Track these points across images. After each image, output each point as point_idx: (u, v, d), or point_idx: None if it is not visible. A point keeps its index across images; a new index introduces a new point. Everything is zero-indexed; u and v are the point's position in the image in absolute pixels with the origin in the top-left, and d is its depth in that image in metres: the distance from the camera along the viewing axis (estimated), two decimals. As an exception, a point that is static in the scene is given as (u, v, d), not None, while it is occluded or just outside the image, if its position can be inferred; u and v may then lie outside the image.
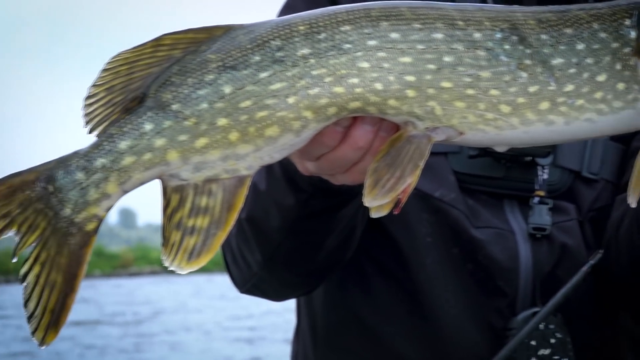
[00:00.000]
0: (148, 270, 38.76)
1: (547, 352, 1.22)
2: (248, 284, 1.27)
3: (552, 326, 1.23)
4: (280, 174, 1.06)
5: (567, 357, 1.23)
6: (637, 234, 1.18)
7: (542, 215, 1.25)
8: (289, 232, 1.12)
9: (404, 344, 1.26)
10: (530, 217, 1.25)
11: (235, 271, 1.26)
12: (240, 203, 0.91)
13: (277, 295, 1.36)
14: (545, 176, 1.24)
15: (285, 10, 1.31)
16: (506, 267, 1.24)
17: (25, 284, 0.88)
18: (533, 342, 1.21)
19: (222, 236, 0.90)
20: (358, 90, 0.90)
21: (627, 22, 0.94)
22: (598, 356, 1.31)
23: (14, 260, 0.90)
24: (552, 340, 1.23)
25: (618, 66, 0.93)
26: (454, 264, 1.25)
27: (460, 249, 1.24)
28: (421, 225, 1.24)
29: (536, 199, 1.26)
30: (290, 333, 1.50)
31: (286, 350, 1.57)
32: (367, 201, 0.90)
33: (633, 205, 0.92)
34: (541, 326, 1.22)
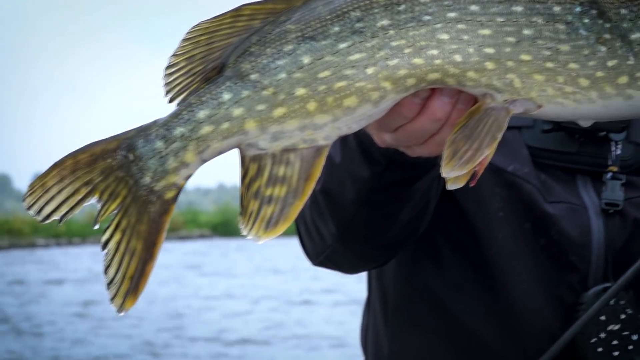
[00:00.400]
0: (197, 234, 39.11)
1: (616, 327, 1.22)
2: (321, 256, 1.28)
3: (622, 302, 1.22)
4: (356, 146, 1.06)
5: (637, 333, 1.23)
6: None
7: (615, 191, 1.24)
8: (364, 205, 1.12)
9: (473, 319, 1.27)
10: (603, 193, 1.24)
11: (309, 243, 1.27)
12: (317, 173, 0.92)
13: (350, 267, 1.36)
14: (619, 152, 1.23)
15: None
16: (578, 242, 1.23)
17: (105, 251, 0.90)
18: (603, 318, 1.21)
19: (299, 205, 0.91)
20: (437, 61, 0.90)
21: None
22: None
23: (96, 227, 0.91)
24: (623, 316, 1.22)
25: None
26: (526, 239, 1.24)
27: (533, 223, 1.24)
28: (494, 199, 1.24)
29: (609, 175, 1.25)
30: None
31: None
32: (445, 172, 0.90)
33: None
34: (612, 302, 1.21)
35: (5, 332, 10.56)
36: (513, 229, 1.25)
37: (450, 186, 0.90)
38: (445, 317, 1.29)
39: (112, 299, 0.90)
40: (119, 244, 0.90)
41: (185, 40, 0.89)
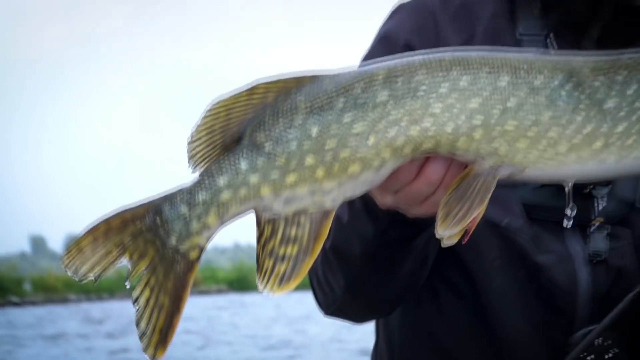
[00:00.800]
0: (215, 289, 40.99)
1: None
2: (332, 308, 1.38)
3: (609, 342, 1.29)
4: (361, 207, 1.16)
5: None
6: None
7: (599, 242, 1.32)
8: (369, 259, 1.21)
9: (471, 359, 1.37)
10: (588, 244, 1.33)
11: (321, 295, 1.37)
12: (325, 232, 1.01)
13: (358, 317, 1.46)
14: (604, 204, 1.32)
15: (366, 59, 1.42)
16: (566, 289, 1.31)
17: (137, 306, 0.99)
18: (591, 357, 1.28)
19: (309, 262, 1.00)
20: (431, 131, 1.00)
21: None
22: None
23: (127, 285, 1.00)
24: (609, 355, 1.29)
25: None
26: (519, 286, 1.33)
27: (525, 272, 1.33)
28: (491, 249, 1.33)
29: (594, 226, 1.33)
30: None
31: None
32: (440, 231, 0.99)
33: None
34: (598, 341, 1.28)
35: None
36: (507, 276, 1.33)
37: (445, 243, 0.99)
38: (445, 358, 1.38)
39: (145, 349, 0.99)
40: (148, 299, 0.99)
41: (205, 115, 0.99)
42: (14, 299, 34.56)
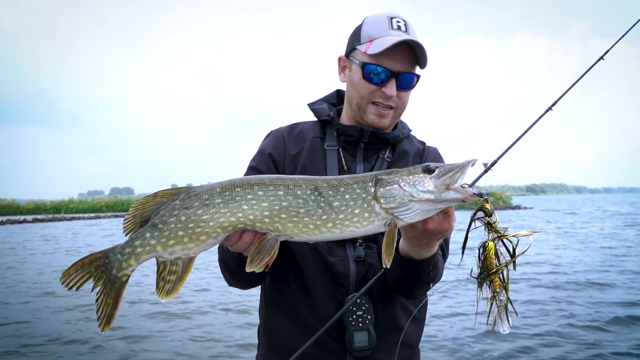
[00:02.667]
0: None
1: (360, 313, 2.16)
2: (229, 284, 2.25)
3: (363, 301, 2.17)
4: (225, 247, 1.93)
5: (370, 315, 2.17)
6: (391, 277, 2.12)
7: (360, 251, 2.19)
8: (236, 266, 2.02)
9: (299, 305, 2.23)
10: (355, 251, 2.20)
11: (225, 278, 2.23)
12: (190, 269, 1.72)
13: (242, 288, 2.32)
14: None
15: (258, 153, 2.35)
16: (344, 274, 2.18)
17: (96, 303, 1.70)
18: (354, 308, 2.16)
19: (181, 284, 1.71)
20: (242, 219, 1.69)
21: (370, 183, 1.71)
22: (385, 316, 2.24)
23: (93, 292, 1.71)
24: (364, 307, 2.18)
25: (365, 205, 1.70)
26: (321, 272, 2.19)
27: (324, 265, 2.20)
28: (308, 254, 2.20)
29: (358, 243, 2.20)
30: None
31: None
32: (248, 268, 1.70)
33: (387, 266, 1.69)
34: (358, 301, 2.16)
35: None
36: (315, 267, 2.19)
37: (256, 271, 1.73)
38: (289, 306, 2.25)
39: (99, 326, 1.71)
40: (101, 300, 1.71)
41: (132, 207, 1.73)
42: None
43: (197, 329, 9.25)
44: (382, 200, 1.69)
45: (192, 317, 10.13)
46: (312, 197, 1.72)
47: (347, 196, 1.71)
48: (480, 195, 1.64)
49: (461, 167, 1.66)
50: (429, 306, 2.45)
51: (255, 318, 2.73)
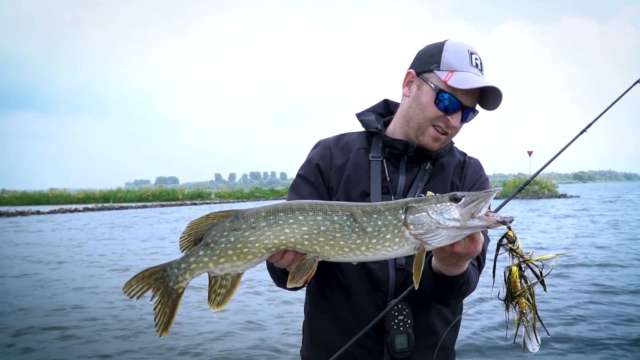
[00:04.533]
0: None
1: (401, 317, 2.27)
2: (277, 285, 2.31)
3: (404, 306, 2.32)
4: (271, 264, 2.11)
5: (410, 319, 2.27)
6: (427, 288, 2.21)
7: (402, 259, 2.32)
8: (281, 273, 2.07)
9: (341, 307, 2.36)
10: (397, 259, 2.33)
11: (273, 281, 2.32)
12: (238, 283, 1.85)
13: (290, 290, 2.26)
14: None
15: (306, 163, 2.49)
16: (383, 280, 2.33)
17: (154, 312, 1.83)
18: (395, 313, 2.30)
19: (230, 296, 1.84)
20: (284, 241, 1.83)
21: (401, 211, 1.82)
22: (424, 321, 2.33)
23: (152, 302, 1.84)
24: (404, 312, 2.31)
25: (396, 231, 1.81)
26: (363, 278, 2.34)
27: (365, 271, 2.34)
28: (351, 265, 2.29)
29: None
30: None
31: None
32: (289, 285, 1.85)
33: (416, 287, 1.83)
34: (399, 306, 2.27)
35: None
36: (357, 273, 2.32)
37: (298, 287, 1.91)
38: (332, 310, 2.37)
39: (157, 332, 1.83)
40: (160, 309, 1.85)
41: (187, 227, 1.86)
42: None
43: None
44: (411, 227, 1.80)
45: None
46: (348, 223, 1.84)
47: (380, 222, 1.83)
48: (503, 222, 1.75)
49: (485, 197, 1.78)
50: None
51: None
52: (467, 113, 2.31)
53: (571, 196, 62.50)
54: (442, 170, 2.45)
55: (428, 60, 2.35)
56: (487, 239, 2.29)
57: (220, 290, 1.89)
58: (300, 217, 1.84)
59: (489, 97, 2.30)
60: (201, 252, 1.88)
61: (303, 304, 2.63)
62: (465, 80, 2.23)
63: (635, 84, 2.93)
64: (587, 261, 15.04)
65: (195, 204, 60.43)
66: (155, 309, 1.88)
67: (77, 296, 11.93)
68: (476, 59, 2.30)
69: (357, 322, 2.28)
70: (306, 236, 1.84)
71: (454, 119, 2.30)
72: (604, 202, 50.23)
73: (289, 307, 10.45)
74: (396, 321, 2.28)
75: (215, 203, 63.82)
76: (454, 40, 2.36)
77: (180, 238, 1.92)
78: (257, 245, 1.85)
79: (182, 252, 1.92)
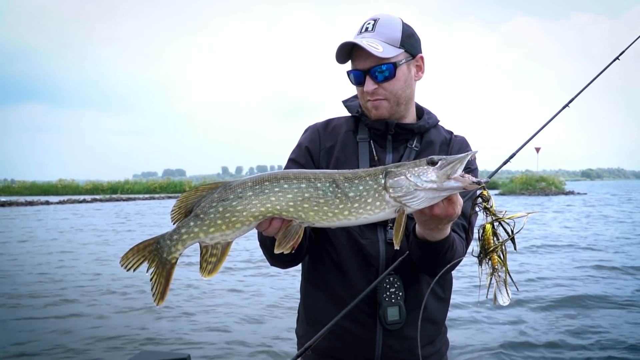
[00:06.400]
0: None
1: (392, 290, 2.36)
2: (270, 263, 2.39)
3: (395, 279, 2.40)
4: (260, 235, 2.16)
5: (401, 292, 2.36)
6: (414, 257, 2.27)
7: (390, 233, 2.40)
8: (272, 247, 1.99)
9: (334, 281, 2.44)
10: (387, 234, 2.41)
11: (267, 259, 2.37)
12: (228, 252, 1.90)
13: (282, 267, 2.46)
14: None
15: (297, 147, 2.56)
16: (374, 255, 2.41)
17: (151, 282, 1.90)
18: (387, 286, 2.39)
19: (220, 264, 1.89)
20: (270, 209, 1.89)
21: (380, 175, 1.89)
22: (414, 294, 2.41)
23: (147, 273, 1.90)
24: (396, 285, 2.40)
25: (376, 195, 1.88)
26: (355, 253, 2.42)
27: (357, 247, 2.43)
28: (342, 236, 2.41)
29: (389, 226, 2.41)
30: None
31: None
32: (277, 250, 1.89)
33: (397, 247, 1.86)
34: (391, 279, 2.37)
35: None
36: (349, 248, 2.40)
37: (277, 258, 2.05)
38: (325, 283, 2.46)
39: (155, 300, 1.90)
40: (155, 279, 1.91)
41: (178, 200, 1.93)
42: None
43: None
44: (391, 190, 1.87)
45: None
46: (331, 189, 1.92)
47: (361, 187, 1.91)
48: (478, 183, 1.81)
49: (461, 159, 1.84)
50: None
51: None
52: (372, 73, 2.38)
53: (578, 193, 62.78)
54: (428, 147, 2.52)
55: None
56: (475, 215, 2.36)
57: (211, 259, 1.96)
58: (285, 185, 1.92)
59: (362, 49, 2.35)
60: (192, 223, 1.95)
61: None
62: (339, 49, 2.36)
63: (613, 61, 3.04)
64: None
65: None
66: (151, 279, 1.95)
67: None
68: (368, 23, 2.42)
69: (351, 298, 2.33)
70: (291, 203, 1.91)
71: (367, 85, 2.40)
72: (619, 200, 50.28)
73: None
74: (388, 293, 2.36)
75: (222, 196, 62.66)
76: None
77: (172, 211, 1.98)
78: (244, 214, 1.92)
79: (173, 224, 1.99)
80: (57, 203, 46.89)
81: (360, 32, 2.42)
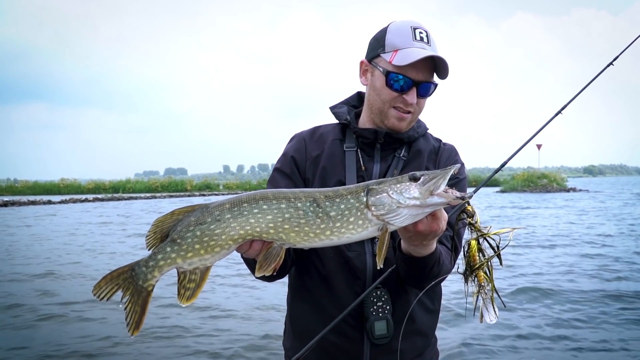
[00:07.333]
0: None
1: (380, 304, 2.31)
2: (255, 276, 2.11)
3: (382, 293, 2.34)
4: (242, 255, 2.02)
5: (389, 306, 2.31)
6: (401, 271, 2.22)
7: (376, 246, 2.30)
8: (254, 264, 1.94)
9: (321, 295, 2.38)
10: (374, 247, 2.35)
11: (251, 272, 2.13)
12: (207, 277, 1.84)
13: (268, 281, 2.28)
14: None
15: (282, 157, 2.50)
16: (361, 268, 2.35)
17: (125, 311, 1.82)
18: (374, 300, 2.33)
19: (199, 290, 1.83)
20: (250, 231, 1.83)
21: (362, 193, 1.83)
22: (401, 307, 2.35)
23: (120, 304, 1.82)
24: (383, 299, 2.35)
25: (359, 213, 1.82)
26: (341, 266, 2.36)
27: (343, 259, 2.36)
28: (329, 250, 2.35)
29: (376, 239, 2.27)
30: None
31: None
32: (257, 274, 1.84)
33: (380, 266, 1.82)
34: (378, 293, 2.31)
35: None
36: (335, 261, 2.35)
37: (265, 275, 1.85)
38: (311, 295, 2.41)
39: (129, 331, 1.82)
40: (130, 308, 1.83)
41: (152, 225, 1.84)
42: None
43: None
44: (373, 208, 1.82)
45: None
46: (311, 209, 1.86)
47: (342, 206, 1.86)
48: (462, 198, 1.77)
49: (443, 174, 1.80)
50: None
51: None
52: (423, 88, 2.32)
53: (580, 190, 62.10)
54: (416, 157, 2.46)
55: (375, 46, 2.38)
56: (464, 225, 2.30)
57: (190, 284, 1.89)
58: (265, 207, 1.86)
59: (440, 66, 2.29)
60: (168, 249, 1.87)
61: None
62: (408, 55, 2.24)
63: (607, 66, 3.00)
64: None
65: (203, 194, 60.46)
66: (125, 308, 1.87)
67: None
68: (420, 32, 2.31)
69: (338, 311, 2.28)
70: (271, 224, 1.85)
71: (410, 97, 2.32)
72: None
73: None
74: (375, 307, 2.30)
75: (223, 194, 62.38)
76: (398, 20, 2.37)
77: (147, 236, 1.90)
78: (223, 237, 1.85)
79: (148, 250, 1.91)
80: (60, 202, 46.92)
81: (415, 38, 2.30)
